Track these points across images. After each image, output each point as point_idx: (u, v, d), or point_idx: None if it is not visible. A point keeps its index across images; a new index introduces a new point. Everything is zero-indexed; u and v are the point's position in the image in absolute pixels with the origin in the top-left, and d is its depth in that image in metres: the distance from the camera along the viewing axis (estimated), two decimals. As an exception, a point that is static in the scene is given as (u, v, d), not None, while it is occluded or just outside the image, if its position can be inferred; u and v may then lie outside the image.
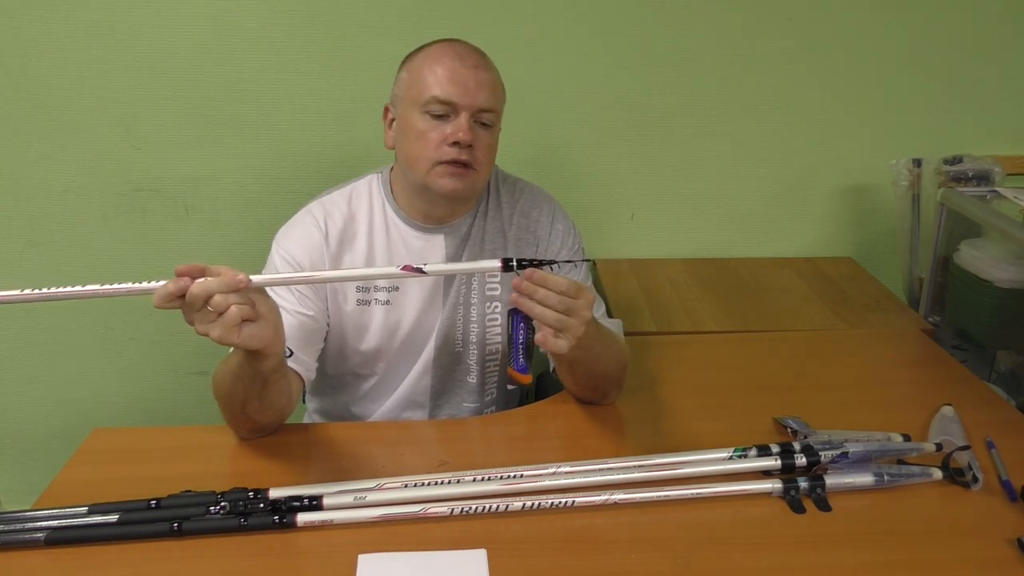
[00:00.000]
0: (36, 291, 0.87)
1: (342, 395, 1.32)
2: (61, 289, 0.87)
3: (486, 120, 1.16)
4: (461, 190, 1.16)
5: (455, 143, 1.13)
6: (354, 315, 1.23)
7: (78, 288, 0.87)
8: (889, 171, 1.73)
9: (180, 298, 0.86)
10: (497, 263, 0.93)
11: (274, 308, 0.94)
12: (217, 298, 0.86)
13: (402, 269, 0.93)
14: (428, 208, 1.22)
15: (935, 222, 1.64)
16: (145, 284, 0.87)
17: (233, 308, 0.87)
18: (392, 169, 1.26)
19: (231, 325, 0.87)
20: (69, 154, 1.72)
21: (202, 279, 0.87)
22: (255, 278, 0.90)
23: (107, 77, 1.67)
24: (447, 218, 1.24)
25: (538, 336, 0.96)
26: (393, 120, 1.21)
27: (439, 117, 1.14)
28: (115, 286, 0.88)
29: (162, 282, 0.87)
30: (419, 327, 1.25)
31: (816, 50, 1.76)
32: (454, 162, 1.14)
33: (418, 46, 1.21)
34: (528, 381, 1.16)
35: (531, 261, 0.93)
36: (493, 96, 1.17)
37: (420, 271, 0.92)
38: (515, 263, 0.92)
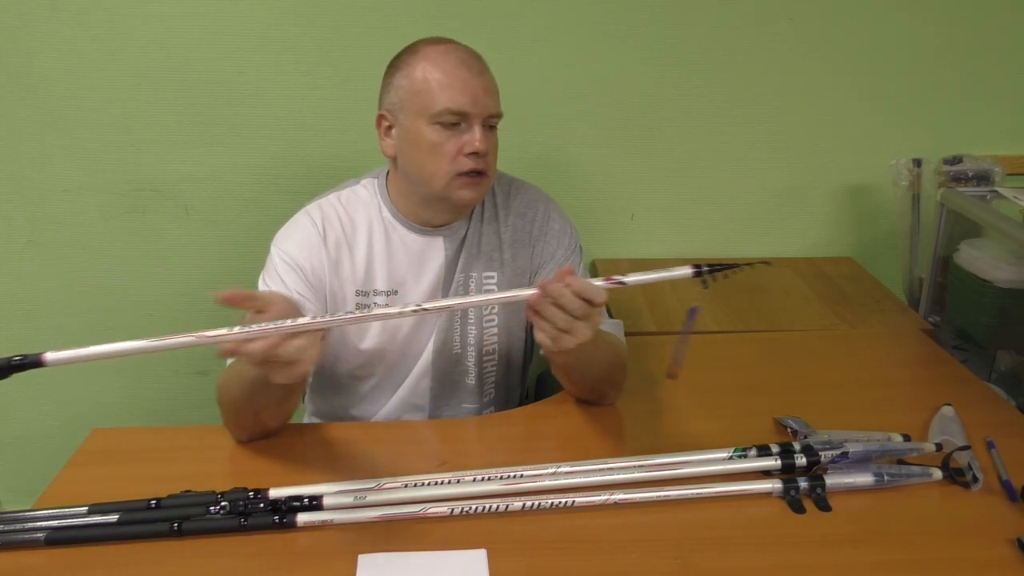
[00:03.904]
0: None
1: (340, 398, 1.32)
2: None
3: (492, 123, 1.17)
4: (477, 198, 1.17)
5: (472, 153, 1.12)
6: (354, 317, 1.23)
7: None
8: (889, 171, 1.73)
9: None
10: (688, 270, 0.90)
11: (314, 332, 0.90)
12: (291, 349, 0.83)
13: (533, 290, 0.91)
14: (435, 216, 1.22)
15: (935, 222, 1.64)
16: (224, 331, 0.84)
17: (300, 368, 0.84)
18: (388, 174, 1.26)
19: (297, 376, 0.85)
20: (69, 154, 1.72)
21: (285, 343, 0.83)
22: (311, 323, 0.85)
23: (107, 77, 1.67)
24: (449, 222, 1.24)
25: (542, 337, 0.93)
26: (390, 128, 1.19)
27: (451, 127, 1.13)
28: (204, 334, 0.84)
29: (238, 330, 0.83)
30: (418, 330, 1.25)
31: (816, 51, 1.76)
32: (471, 172, 1.13)
33: (402, 50, 1.18)
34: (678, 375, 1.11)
35: (722, 266, 0.90)
36: (497, 99, 1.17)
37: (621, 282, 0.91)
38: (704, 269, 0.90)
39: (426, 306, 0.93)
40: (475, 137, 1.12)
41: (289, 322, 0.84)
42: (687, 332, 1.08)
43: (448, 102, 1.11)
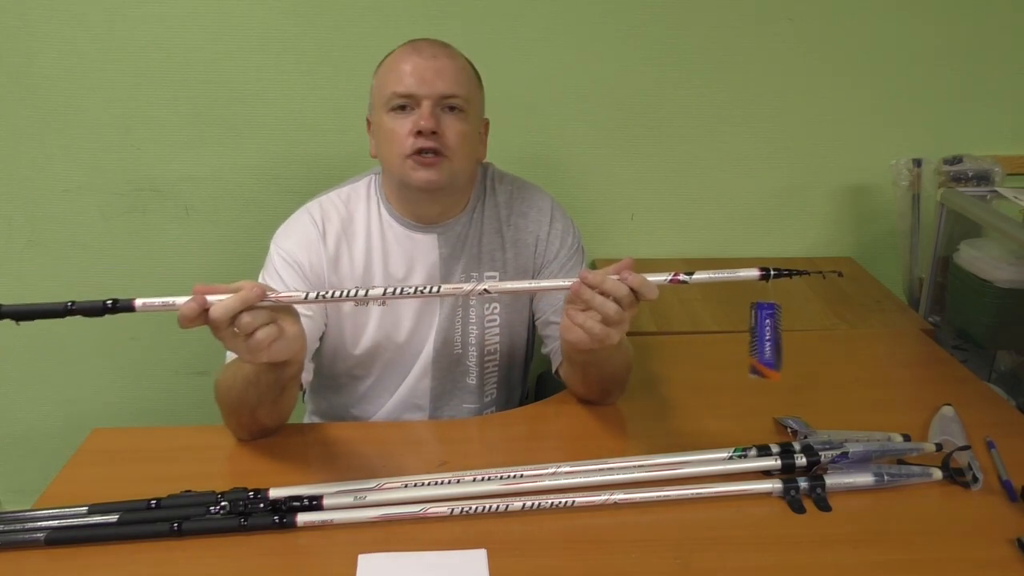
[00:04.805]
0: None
1: (340, 397, 1.32)
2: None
3: (453, 104, 1.15)
4: (435, 180, 1.14)
5: (419, 132, 1.12)
6: (352, 315, 1.23)
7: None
8: (889, 171, 1.73)
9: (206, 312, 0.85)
10: (755, 272, 0.93)
11: (297, 318, 0.94)
12: (245, 319, 0.85)
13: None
14: (415, 207, 1.22)
15: (935, 222, 1.64)
16: (168, 299, 0.87)
17: (259, 334, 0.86)
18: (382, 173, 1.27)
19: (259, 349, 0.87)
20: (69, 154, 1.72)
21: (222, 297, 0.85)
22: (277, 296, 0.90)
23: (107, 77, 1.67)
24: (439, 217, 1.23)
25: (580, 334, 0.93)
26: (371, 128, 1.22)
27: (403, 111, 1.14)
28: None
29: (184, 298, 0.86)
30: (417, 328, 1.25)
31: (816, 51, 1.75)
32: (422, 151, 1.13)
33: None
34: (777, 378, 1.08)
35: (789, 271, 0.92)
36: (456, 82, 1.15)
37: (684, 281, 0.93)
38: (771, 272, 0.92)
39: (443, 288, 0.97)
40: (421, 115, 1.12)
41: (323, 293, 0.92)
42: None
43: (395, 85, 1.14)
